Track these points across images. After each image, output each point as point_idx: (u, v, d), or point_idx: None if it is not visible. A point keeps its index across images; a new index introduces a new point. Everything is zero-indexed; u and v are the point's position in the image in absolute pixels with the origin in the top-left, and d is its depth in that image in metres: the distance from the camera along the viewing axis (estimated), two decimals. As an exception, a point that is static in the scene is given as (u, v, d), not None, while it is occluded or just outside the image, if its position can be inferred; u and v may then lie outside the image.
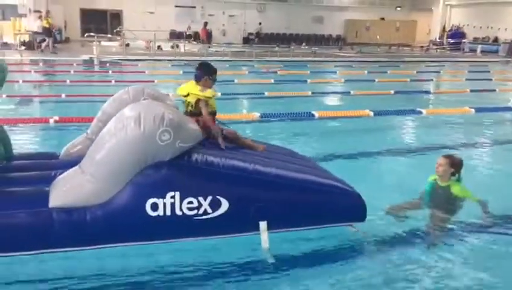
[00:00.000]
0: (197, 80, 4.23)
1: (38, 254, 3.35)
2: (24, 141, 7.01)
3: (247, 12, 35.35)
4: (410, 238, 4.12)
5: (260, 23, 35.26)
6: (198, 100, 4.10)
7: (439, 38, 34.41)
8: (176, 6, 33.29)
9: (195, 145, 3.63)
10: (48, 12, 22.28)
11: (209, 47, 25.13)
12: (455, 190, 4.43)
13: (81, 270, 3.44)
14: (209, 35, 28.21)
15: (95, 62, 18.68)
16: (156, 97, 4.45)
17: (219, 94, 11.15)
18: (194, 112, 4.14)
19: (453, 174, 4.47)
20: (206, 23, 28.41)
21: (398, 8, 38.09)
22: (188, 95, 4.18)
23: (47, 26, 21.65)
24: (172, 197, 3.43)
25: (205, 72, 4.24)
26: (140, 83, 12.02)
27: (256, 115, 8.66)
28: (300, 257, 3.76)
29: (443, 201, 4.48)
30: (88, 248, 3.40)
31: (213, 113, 4.23)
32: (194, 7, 34.33)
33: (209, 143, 4.05)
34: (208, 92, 4.12)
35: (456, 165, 4.47)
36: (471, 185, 4.61)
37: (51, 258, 3.40)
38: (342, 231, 4.00)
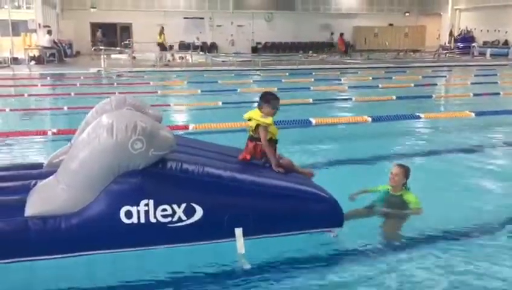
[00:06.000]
0: (260, 107, 4.28)
1: (16, 263, 3.41)
2: (22, 153, 7.17)
3: (255, 22, 35.58)
4: (383, 246, 4.12)
5: (342, 34, 33.42)
6: (258, 125, 4.17)
7: (448, 43, 34.20)
8: (185, 18, 33.67)
9: (169, 153, 3.68)
10: (162, 28, 23.80)
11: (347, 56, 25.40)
12: (409, 198, 4.46)
13: (70, 278, 3.53)
14: (346, 45, 28.16)
15: (103, 75, 18.95)
16: (138, 107, 4.50)
17: (220, 103, 11.33)
18: (255, 136, 4.23)
19: (403, 183, 4.50)
20: (342, 34, 28.46)
21: (407, 14, 37.99)
22: (250, 120, 4.26)
23: (161, 41, 23.15)
24: (146, 204, 3.48)
25: (268, 100, 4.28)
26: (143, 95, 12.23)
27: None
28: (277, 263, 3.77)
29: (398, 209, 4.49)
30: (64, 256, 3.46)
31: (274, 141, 4.28)
32: (202, 18, 34.70)
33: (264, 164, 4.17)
34: (269, 119, 4.18)
35: (408, 174, 4.52)
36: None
37: (39, 266, 3.48)
38: (320, 237, 4.00)
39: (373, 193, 4.76)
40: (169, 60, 23.97)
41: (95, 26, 32.43)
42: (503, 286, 3.53)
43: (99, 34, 30.41)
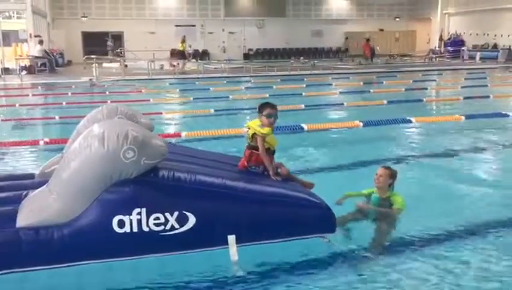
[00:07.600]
0: (259, 116, 4.34)
1: (7, 274, 3.39)
2: (14, 163, 7.14)
3: (246, 28, 35.74)
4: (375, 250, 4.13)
5: (368, 40, 29.97)
6: (254, 134, 4.22)
7: (438, 47, 34.53)
8: (176, 26, 33.74)
9: (161, 161, 3.69)
10: (183, 37, 24.21)
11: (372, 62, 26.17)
12: (397, 201, 4.47)
13: (62, 288, 3.51)
14: (372, 51, 28.20)
15: (95, 84, 18.91)
16: (130, 116, 4.53)
17: (212, 111, 11.34)
18: (251, 144, 4.28)
19: (389, 185, 4.52)
20: (368, 39, 28.46)
21: (397, 19, 38.34)
22: (249, 128, 4.31)
23: (181, 49, 23.66)
24: (139, 213, 3.47)
25: (259, 110, 4.33)
26: (135, 103, 12.24)
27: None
28: (270, 270, 3.77)
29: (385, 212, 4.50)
30: (56, 266, 3.44)
31: (271, 151, 4.32)
32: (194, 26, 34.80)
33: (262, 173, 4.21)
34: (264, 130, 4.20)
35: (394, 176, 4.54)
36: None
37: (30, 277, 3.45)
38: (313, 242, 4.01)
39: (358, 197, 4.78)
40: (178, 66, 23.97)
41: (86, 35, 32.48)
42: (501, 285, 3.58)
43: (109, 42, 32.13)
